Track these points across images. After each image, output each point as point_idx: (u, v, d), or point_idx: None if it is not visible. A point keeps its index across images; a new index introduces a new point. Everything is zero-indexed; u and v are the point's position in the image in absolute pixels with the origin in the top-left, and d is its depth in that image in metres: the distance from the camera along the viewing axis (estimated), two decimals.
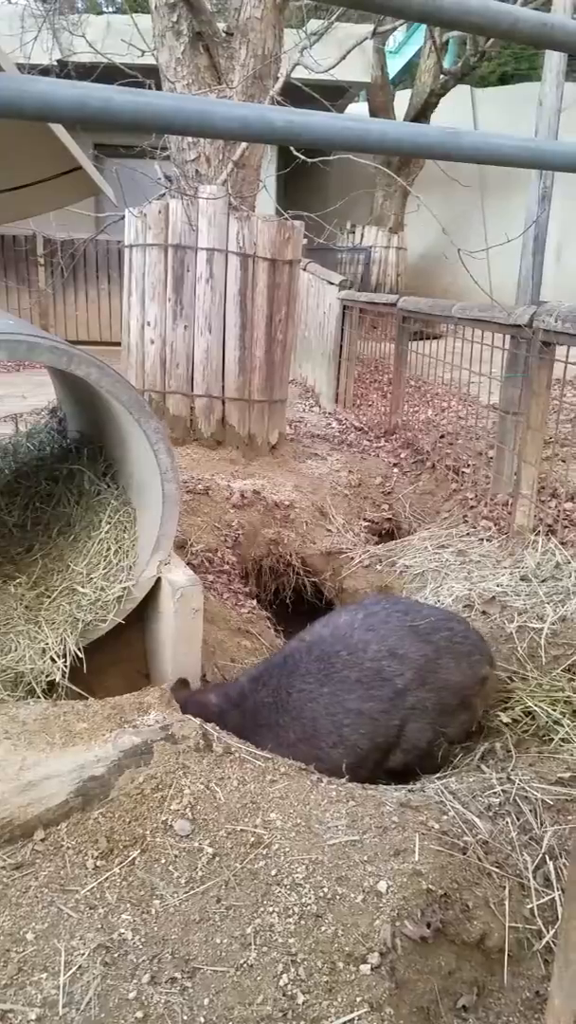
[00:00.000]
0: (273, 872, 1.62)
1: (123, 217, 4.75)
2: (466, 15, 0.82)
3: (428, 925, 1.46)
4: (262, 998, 1.39)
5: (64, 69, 6.15)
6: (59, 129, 2.50)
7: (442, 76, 11.72)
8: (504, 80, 17.69)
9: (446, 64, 12.16)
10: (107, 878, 1.65)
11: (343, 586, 3.85)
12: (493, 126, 13.25)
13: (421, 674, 2.23)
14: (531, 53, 16.81)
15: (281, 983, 1.40)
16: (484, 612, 2.79)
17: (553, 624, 2.56)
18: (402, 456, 5.36)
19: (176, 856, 1.68)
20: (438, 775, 2.11)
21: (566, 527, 3.64)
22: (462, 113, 14.20)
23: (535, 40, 0.89)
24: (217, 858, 1.67)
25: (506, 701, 2.42)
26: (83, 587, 2.71)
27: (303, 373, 8.78)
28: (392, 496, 4.75)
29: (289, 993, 1.39)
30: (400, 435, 5.79)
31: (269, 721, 2.24)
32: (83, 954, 1.46)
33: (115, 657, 2.87)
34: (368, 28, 9.66)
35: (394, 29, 11.17)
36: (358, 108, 15.02)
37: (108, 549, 2.81)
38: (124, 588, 2.69)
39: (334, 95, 11.90)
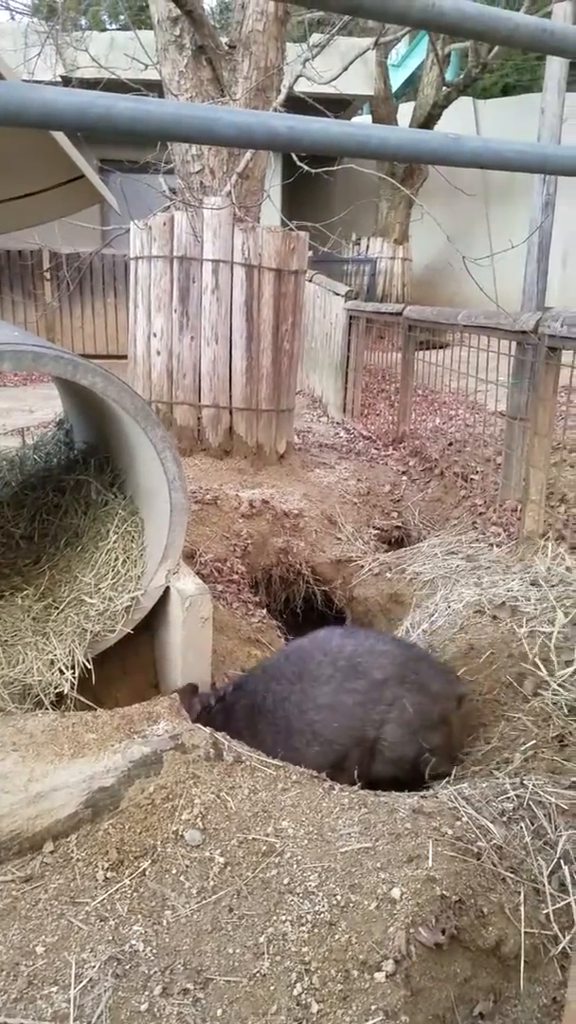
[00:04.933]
0: (285, 880, 1.61)
1: (128, 230, 4.79)
2: (466, 21, 0.83)
3: (443, 932, 1.45)
4: (276, 1008, 1.37)
5: (68, 85, 6.23)
6: (61, 138, 2.53)
7: (444, 88, 11.78)
8: (506, 91, 17.78)
9: (448, 76, 12.23)
10: (117, 889, 1.64)
11: (353, 594, 3.85)
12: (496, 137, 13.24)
13: (401, 671, 2.24)
14: (533, 63, 16.91)
15: (295, 992, 1.39)
16: (495, 617, 2.78)
17: (563, 628, 2.54)
18: (410, 464, 5.35)
19: (187, 866, 1.68)
20: (452, 781, 2.09)
21: (575, 532, 3.62)
22: (465, 125, 14.26)
23: (535, 45, 0.90)
24: (229, 867, 1.66)
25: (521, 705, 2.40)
26: (91, 598, 2.71)
27: (311, 383, 8.80)
28: (401, 504, 4.75)
29: (303, 1002, 1.37)
30: (408, 443, 5.78)
31: (248, 725, 2.28)
32: (94, 967, 1.46)
33: (124, 668, 2.86)
34: (370, 41, 9.74)
35: (396, 41, 11.26)
36: (362, 121, 15.13)
37: (116, 559, 2.81)
38: (132, 598, 2.69)
39: (338, 108, 11.99)
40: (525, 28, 0.86)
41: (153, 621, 2.81)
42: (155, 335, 4.69)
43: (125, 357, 5.16)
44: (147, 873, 1.67)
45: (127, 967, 1.46)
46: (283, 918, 1.53)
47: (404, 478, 5.11)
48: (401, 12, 0.80)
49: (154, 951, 1.49)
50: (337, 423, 7.20)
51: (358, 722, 2.20)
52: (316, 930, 1.49)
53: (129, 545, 2.85)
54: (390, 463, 5.49)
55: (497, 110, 14.63)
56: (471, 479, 4.61)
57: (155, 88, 4.51)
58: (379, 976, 1.39)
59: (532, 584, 2.96)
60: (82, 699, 2.49)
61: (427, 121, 11.97)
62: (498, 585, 3.04)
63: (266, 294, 4.60)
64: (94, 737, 2.08)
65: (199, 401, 4.68)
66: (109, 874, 1.68)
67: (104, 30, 13.11)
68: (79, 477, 3.24)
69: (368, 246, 12.85)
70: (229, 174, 4.59)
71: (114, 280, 10.99)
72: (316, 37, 5.75)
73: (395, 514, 4.68)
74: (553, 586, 2.88)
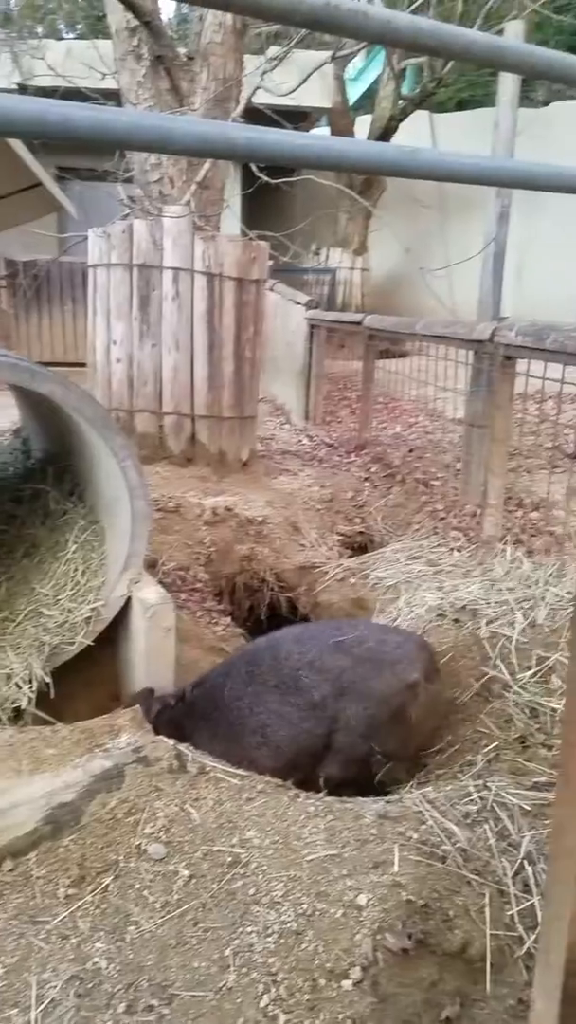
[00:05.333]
0: (251, 891, 1.59)
1: (86, 238, 4.75)
2: (420, 36, 0.84)
3: (409, 937, 1.45)
4: (243, 1021, 1.36)
5: (24, 93, 6.16)
6: (18, 146, 2.50)
7: (401, 102, 11.99)
8: (461, 106, 18.12)
9: (404, 90, 12.44)
10: (79, 906, 1.61)
11: (318, 600, 3.85)
12: (452, 150, 13.48)
13: (340, 685, 2.27)
14: (487, 79, 17.29)
15: (262, 1004, 1.38)
16: (456, 620, 2.82)
17: (523, 631, 2.59)
18: (372, 470, 5.40)
19: (151, 880, 1.65)
20: (416, 784, 2.10)
21: (532, 536, 3.70)
22: (422, 138, 14.51)
23: (489, 61, 0.92)
24: (193, 880, 1.64)
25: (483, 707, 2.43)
26: (49, 609, 2.66)
27: (273, 392, 8.82)
28: (364, 510, 4.78)
29: (270, 1014, 1.36)
30: (370, 450, 5.84)
31: (207, 720, 2.34)
32: (55, 986, 1.42)
33: (85, 680, 2.81)
34: (327, 54, 9.84)
35: (353, 55, 11.40)
36: (321, 133, 15.28)
37: (75, 570, 2.77)
38: (93, 609, 2.65)
39: (297, 120, 12.08)
40: (479, 45, 0.88)
41: (115, 632, 2.77)
42: (115, 343, 4.65)
43: (84, 365, 5.10)
44: (110, 889, 1.64)
45: (90, 986, 1.43)
46: (249, 929, 1.51)
47: (366, 484, 5.15)
48: (357, 27, 0.81)
49: (118, 968, 1.47)
50: (300, 430, 7.22)
51: (303, 734, 2.26)
52: (283, 940, 1.48)
53: (89, 555, 2.81)
54: (352, 470, 5.53)
55: (453, 124, 14.92)
56: (432, 485, 4.67)
57: (113, 97, 4.49)
58: (346, 984, 1.39)
59: (492, 587, 3.01)
60: (41, 714, 2.44)
61: (384, 134, 12.15)
62: (459, 589, 3.08)
63: (227, 303, 4.60)
64: (53, 752, 2.04)
65: (160, 409, 4.65)
66: (70, 891, 1.64)
67: (61, 39, 13.01)
68: (36, 487, 3.19)
69: (328, 256, 12.96)
70: (189, 183, 4.59)
71: (72, 288, 10.83)
72: (274, 50, 5.80)
73: (358, 520, 4.71)
74: (512, 589, 2.93)
